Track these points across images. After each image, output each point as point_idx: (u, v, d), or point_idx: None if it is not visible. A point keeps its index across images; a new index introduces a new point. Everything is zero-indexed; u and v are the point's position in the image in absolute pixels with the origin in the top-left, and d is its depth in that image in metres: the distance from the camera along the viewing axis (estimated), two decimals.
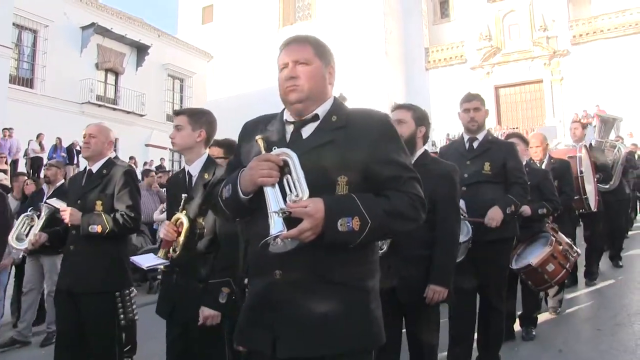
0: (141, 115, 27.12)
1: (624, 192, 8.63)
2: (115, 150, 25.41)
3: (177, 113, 3.49)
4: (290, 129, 2.07)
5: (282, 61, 2.07)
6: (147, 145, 27.27)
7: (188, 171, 3.38)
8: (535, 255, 4.87)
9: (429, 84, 32.49)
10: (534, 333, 5.20)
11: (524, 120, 30.54)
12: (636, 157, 14.27)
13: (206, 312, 3.06)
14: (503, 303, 4.38)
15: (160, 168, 20.23)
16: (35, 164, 18.22)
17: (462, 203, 4.04)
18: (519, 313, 5.39)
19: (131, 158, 19.69)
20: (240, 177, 1.97)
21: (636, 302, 6.10)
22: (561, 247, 4.92)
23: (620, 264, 8.06)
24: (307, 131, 2.04)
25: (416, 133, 3.45)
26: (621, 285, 7.07)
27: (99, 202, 3.76)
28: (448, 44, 33.84)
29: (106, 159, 3.97)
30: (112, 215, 3.72)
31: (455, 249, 3.47)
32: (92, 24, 24.64)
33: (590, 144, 7.92)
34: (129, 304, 3.83)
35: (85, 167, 4.01)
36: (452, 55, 33.30)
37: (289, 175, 1.86)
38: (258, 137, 2.01)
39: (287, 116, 2.09)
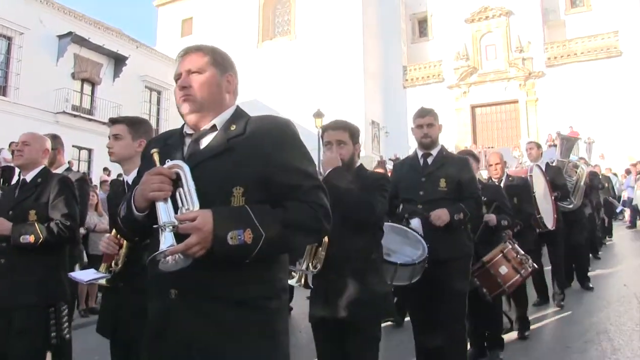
0: None
1: (583, 211, 8.64)
2: (89, 161, 25.24)
3: (114, 121, 3.29)
4: (188, 141, 1.99)
5: (176, 72, 2.02)
6: None
7: (127, 181, 3.18)
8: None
9: (406, 102, 32.68)
10: (501, 357, 5.01)
11: (500, 140, 30.91)
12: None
13: None
14: (463, 329, 4.15)
15: None
16: (6, 173, 17.87)
17: (417, 222, 4.09)
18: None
19: (105, 169, 19.48)
20: (134, 194, 1.88)
21: (604, 320, 6.14)
22: (516, 254, 4.88)
23: (591, 285, 7.95)
24: (205, 142, 1.95)
25: (354, 152, 3.42)
26: (590, 304, 7.12)
27: (32, 212, 3.54)
28: (426, 62, 34.18)
29: (41, 167, 3.76)
30: (46, 224, 3.50)
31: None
32: (69, 33, 24.38)
33: (548, 163, 7.87)
34: (63, 320, 3.57)
35: (19, 178, 3.80)
36: (429, 74, 33.61)
37: (180, 189, 1.79)
38: (153, 150, 1.94)
39: (187, 129, 2.02)
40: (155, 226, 1.73)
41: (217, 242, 1.68)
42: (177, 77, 2.00)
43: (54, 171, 4.29)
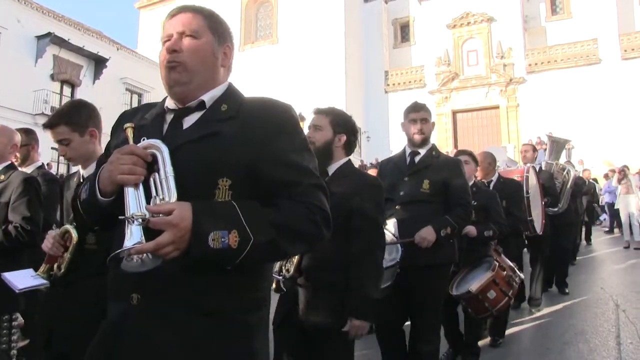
0: None
1: (572, 215, 8.58)
2: (68, 163, 24.93)
3: (52, 125, 2.78)
4: (170, 118, 1.67)
5: (166, 33, 1.68)
6: None
7: (82, 175, 2.80)
8: (476, 281, 4.52)
9: (388, 106, 32.81)
10: None
11: (481, 145, 31.08)
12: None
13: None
14: (437, 337, 3.86)
15: None
16: None
17: (393, 223, 3.77)
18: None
19: None
20: (99, 175, 1.57)
21: (581, 322, 6.17)
22: (504, 272, 4.63)
23: (567, 291, 7.91)
24: (189, 121, 1.64)
25: (334, 141, 3.01)
26: (568, 306, 7.13)
27: None
28: (408, 67, 34.37)
29: (6, 164, 3.44)
30: (3, 227, 3.17)
31: (379, 274, 2.95)
32: (49, 34, 24.21)
33: (540, 168, 7.83)
34: (9, 331, 3.25)
35: None
36: (411, 79, 33.79)
37: (156, 174, 1.49)
38: (127, 125, 1.63)
39: (169, 103, 1.69)
40: (121, 217, 1.43)
41: (195, 243, 1.39)
42: (166, 39, 1.67)
43: (25, 169, 4.07)
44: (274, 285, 2.88)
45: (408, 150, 4.05)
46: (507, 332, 5.75)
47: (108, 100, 27.31)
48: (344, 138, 3.04)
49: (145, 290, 1.49)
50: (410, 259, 3.58)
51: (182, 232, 1.37)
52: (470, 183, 4.82)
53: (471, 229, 4.59)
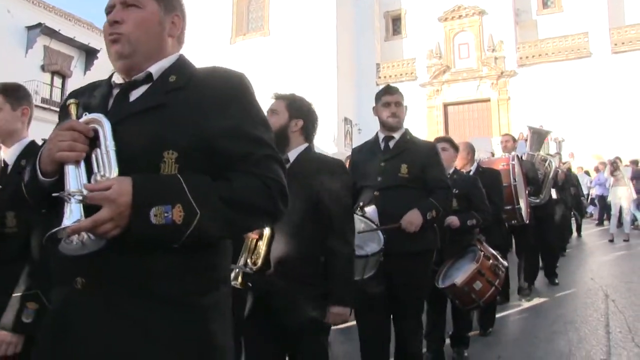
0: None
1: (553, 207, 8.60)
2: None
3: None
4: (116, 92, 1.59)
5: (108, 3, 1.61)
6: None
7: (3, 160, 2.64)
8: (461, 273, 4.42)
9: None
10: (465, 354, 4.81)
11: (472, 138, 31.15)
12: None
13: (0, 336, 2.28)
14: (420, 325, 3.86)
15: None
16: None
17: (373, 210, 3.68)
18: (449, 333, 5.00)
19: None
20: (40, 154, 1.47)
21: (571, 312, 6.26)
22: (490, 262, 4.51)
23: (557, 281, 8.00)
24: (136, 95, 1.56)
25: (289, 125, 2.90)
26: (557, 297, 7.22)
27: None
28: (399, 60, 34.31)
29: None
30: None
31: (353, 258, 2.86)
32: (39, 24, 24.12)
33: (521, 157, 7.76)
34: None
35: None
36: (402, 72, 33.70)
37: (97, 149, 1.41)
38: (70, 101, 1.55)
39: (117, 78, 1.61)
40: (55, 194, 1.34)
41: (136, 219, 1.31)
42: (109, 10, 1.60)
43: None
44: (239, 280, 2.75)
45: (382, 135, 3.97)
46: (497, 321, 5.80)
47: None
48: (300, 123, 2.93)
49: (90, 273, 1.39)
50: (392, 247, 3.46)
51: (121, 207, 1.30)
52: (450, 171, 4.79)
53: (454, 220, 4.51)
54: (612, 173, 13.79)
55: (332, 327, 2.97)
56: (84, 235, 1.32)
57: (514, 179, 6.40)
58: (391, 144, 3.89)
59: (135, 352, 1.37)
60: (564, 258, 10.08)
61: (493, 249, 4.79)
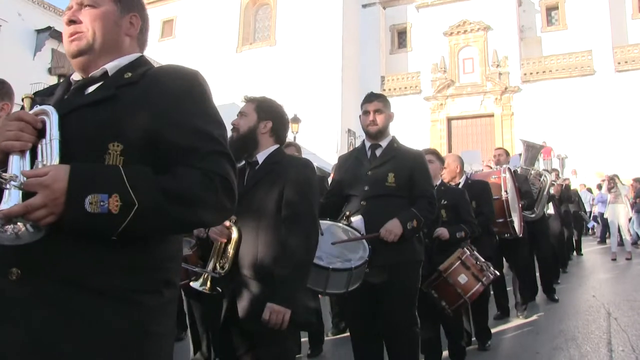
0: None
1: (547, 222, 8.44)
2: None
3: None
4: (72, 88, 1.62)
5: (67, 6, 1.64)
6: None
7: None
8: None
9: None
10: None
11: (462, 152, 31.11)
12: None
13: None
14: (412, 344, 3.65)
15: None
16: None
17: (360, 220, 3.61)
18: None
19: None
20: None
21: (572, 329, 6.22)
22: (475, 261, 4.47)
23: (556, 297, 7.81)
24: (90, 91, 1.58)
25: (258, 127, 2.86)
26: (558, 313, 7.18)
27: None
28: (404, 73, 34.45)
29: None
30: None
31: (307, 260, 2.71)
32: (48, 28, 24.27)
33: (515, 171, 7.59)
34: None
35: None
36: (407, 85, 33.85)
37: (43, 139, 1.40)
38: (24, 95, 1.59)
39: (75, 76, 1.65)
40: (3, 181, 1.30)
41: (70, 206, 1.27)
42: (67, 11, 1.63)
43: None
44: (207, 285, 2.74)
45: (368, 144, 3.91)
46: (497, 335, 5.77)
47: None
48: (269, 124, 2.89)
49: (25, 264, 1.34)
50: (376, 258, 3.39)
51: (55, 194, 1.26)
52: (437, 183, 4.72)
53: (443, 232, 4.47)
54: (609, 189, 13.77)
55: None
56: (21, 226, 1.27)
57: (506, 192, 6.27)
58: (378, 152, 3.83)
59: (58, 342, 1.32)
60: (565, 275, 10.04)
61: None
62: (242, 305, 2.65)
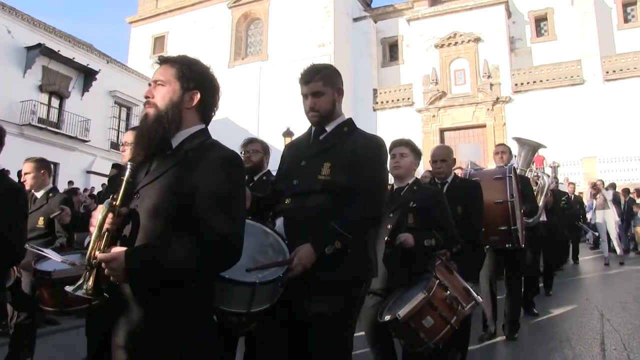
0: (85, 141, 26.49)
1: (539, 229, 7.45)
2: (55, 175, 24.71)
3: None
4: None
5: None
6: (88, 172, 26.59)
7: None
8: (408, 304, 3.49)
9: (376, 124, 32.96)
10: None
11: (462, 144, 31.25)
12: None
13: None
14: None
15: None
16: None
17: (280, 223, 2.82)
18: None
19: (70, 182, 19.17)
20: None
21: (567, 330, 6.26)
22: (446, 293, 3.60)
23: (535, 311, 7.24)
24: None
25: (182, 101, 2.03)
26: (554, 315, 7.24)
27: None
28: (396, 86, 34.63)
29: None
30: None
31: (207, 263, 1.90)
32: (39, 45, 24.06)
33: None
34: None
35: None
36: (399, 98, 34.03)
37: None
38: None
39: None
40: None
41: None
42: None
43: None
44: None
45: (314, 130, 3.06)
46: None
47: (97, 112, 27.34)
48: (197, 96, 2.09)
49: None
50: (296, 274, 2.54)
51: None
52: (410, 181, 4.07)
53: (407, 238, 3.68)
54: (593, 196, 13.80)
55: None
56: None
57: (512, 195, 5.35)
58: (321, 138, 2.96)
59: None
60: (558, 280, 10.07)
61: (465, 280, 3.90)
62: (121, 331, 1.90)
